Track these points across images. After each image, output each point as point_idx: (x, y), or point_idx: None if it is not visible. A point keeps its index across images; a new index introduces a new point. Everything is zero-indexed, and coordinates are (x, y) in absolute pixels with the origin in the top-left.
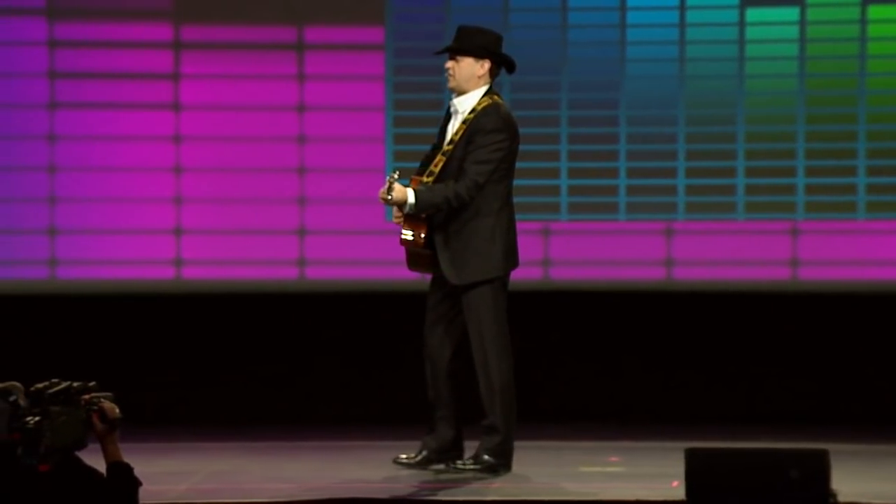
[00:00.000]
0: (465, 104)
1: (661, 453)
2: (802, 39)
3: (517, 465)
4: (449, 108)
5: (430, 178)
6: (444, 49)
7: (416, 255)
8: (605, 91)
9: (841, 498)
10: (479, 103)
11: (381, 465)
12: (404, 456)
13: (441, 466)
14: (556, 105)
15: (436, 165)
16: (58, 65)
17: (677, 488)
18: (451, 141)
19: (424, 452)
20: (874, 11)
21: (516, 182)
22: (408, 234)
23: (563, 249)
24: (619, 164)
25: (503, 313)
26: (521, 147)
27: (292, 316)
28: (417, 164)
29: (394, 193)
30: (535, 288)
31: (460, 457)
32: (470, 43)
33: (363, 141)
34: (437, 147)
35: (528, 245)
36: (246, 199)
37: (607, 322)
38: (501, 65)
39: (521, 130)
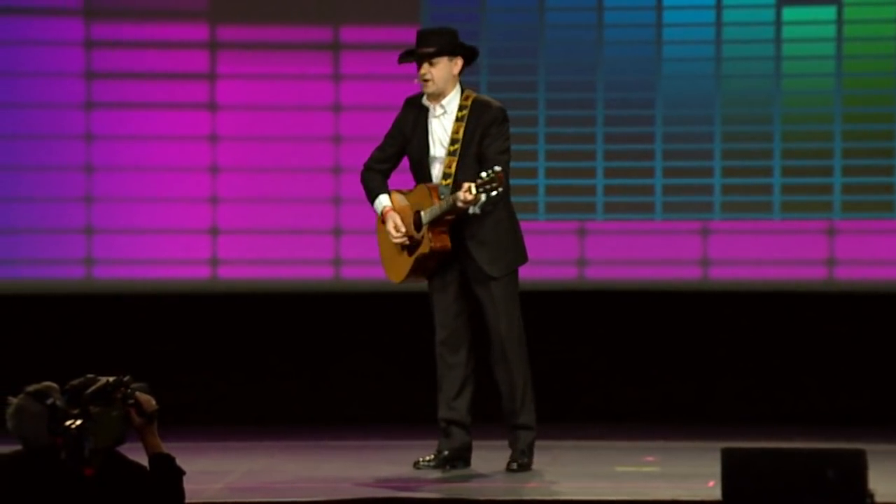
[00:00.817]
0: (451, 104)
1: (696, 453)
2: (839, 38)
3: (553, 464)
4: (413, 110)
5: (449, 181)
6: (422, 55)
7: (425, 262)
8: (641, 90)
9: (878, 498)
10: (464, 99)
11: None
12: (425, 459)
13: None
14: (592, 104)
15: (449, 167)
16: (94, 65)
17: (713, 488)
18: (455, 141)
19: (445, 453)
20: None
21: (552, 181)
22: (446, 242)
23: (599, 249)
24: (655, 164)
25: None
26: (558, 147)
27: (328, 316)
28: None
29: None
30: (570, 287)
31: (469, 459)
32: (441, 43)
33: None
34: (396, 155)
35: (563, 244)
36: (282, 199)
37: (643, 322)
38: (467, 58)
39: (558, 130)
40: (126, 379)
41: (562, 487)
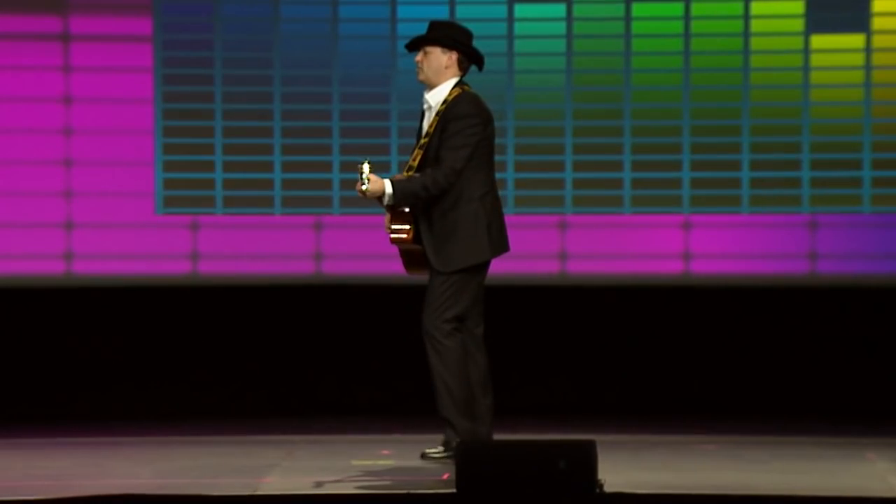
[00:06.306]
0: (437, 97)
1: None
2: (569, 36)
3: (288, 458)
4: (423, 103)
5: (410, 172)
6: (413, 40)
7: (411, 254)
8: (376, 85)
9: (608, 488)
10: (449, 94)
11: (148, 461)
12: (432, 451)
13: None
14: (329, 99)
15: (414, 159)
16: None
17: (448, 480)
18: (427, 134)
19: (453, 444)
20: (638, 9)
21: (288, 175)
22: (399, 232)
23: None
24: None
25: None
26: (295, 141)
27: (59, 311)
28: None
29: (369, 185)
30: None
31: None
32: (438, 34)
33: (132, 133)
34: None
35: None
36: (11, 193)
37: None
38: (471, 60)
39: (294, 123)
40: None
41: (296, 483)
